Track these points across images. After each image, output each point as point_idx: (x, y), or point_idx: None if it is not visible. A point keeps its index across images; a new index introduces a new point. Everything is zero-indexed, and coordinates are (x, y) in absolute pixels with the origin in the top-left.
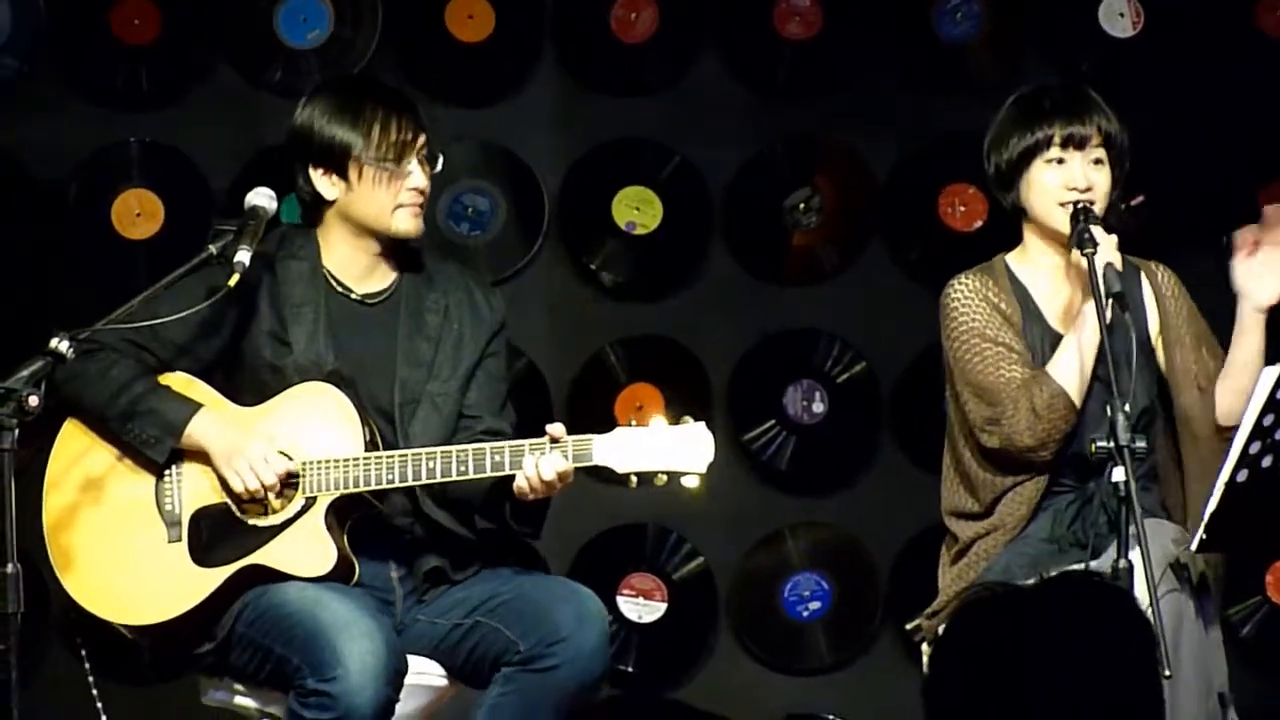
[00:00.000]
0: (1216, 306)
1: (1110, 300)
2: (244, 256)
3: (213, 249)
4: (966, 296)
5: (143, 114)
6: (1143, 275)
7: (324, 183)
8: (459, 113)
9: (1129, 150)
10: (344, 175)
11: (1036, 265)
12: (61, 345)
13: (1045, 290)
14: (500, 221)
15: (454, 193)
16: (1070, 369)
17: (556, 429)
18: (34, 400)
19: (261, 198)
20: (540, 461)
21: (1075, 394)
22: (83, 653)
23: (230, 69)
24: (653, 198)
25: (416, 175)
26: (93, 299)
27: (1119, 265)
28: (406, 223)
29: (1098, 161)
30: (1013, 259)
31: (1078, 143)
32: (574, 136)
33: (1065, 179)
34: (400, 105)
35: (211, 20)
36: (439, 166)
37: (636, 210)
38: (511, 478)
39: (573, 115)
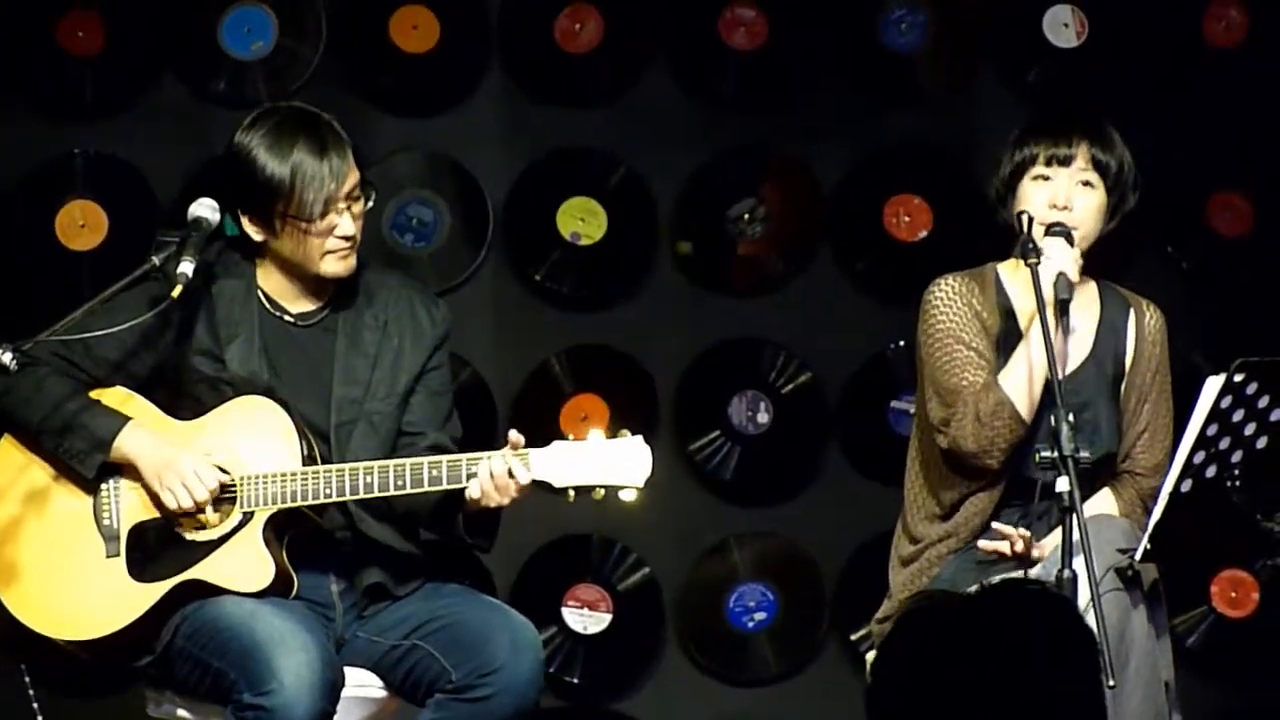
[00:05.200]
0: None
1: (1056, 309)
2: (187, 268)
3: (155, 260)
4: (950, 298)
5: (88, 125)
6: (1131, 312)
7: (251, 227)
8: (403, 123)
9: (1131, 182)
10: (269, 225)
11: (1026, 280)
12: (4, 356)
13: (1027, 306)
14: (445, 232)
15: (399, 204)
16: (1018, 379)
17: (517, 437)
18: None
19: (205, 209)
20: (494, 462)
21: (1022, 404)
22: (22, 667)
23: (175, 80)
24: (598, 208)
25: (344, 224)
26: (36, 310)
27: (1073, 275)
28: (334, 266)
29: (1086, 184)
30: (1004, 269)
31: (1061, 160)
32: (519, 147)
33: (1049, 196)
34: (326, 152)
35: (156, 31)
36: (370, 203)
37: (582, 221)
38: (463, 490)
39: (518, 126)
